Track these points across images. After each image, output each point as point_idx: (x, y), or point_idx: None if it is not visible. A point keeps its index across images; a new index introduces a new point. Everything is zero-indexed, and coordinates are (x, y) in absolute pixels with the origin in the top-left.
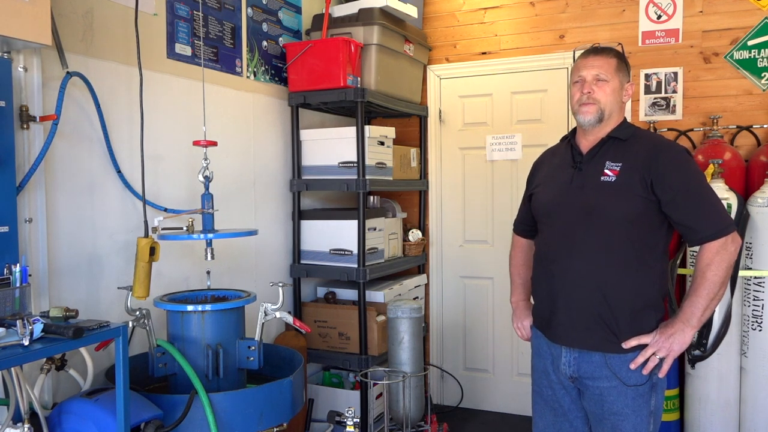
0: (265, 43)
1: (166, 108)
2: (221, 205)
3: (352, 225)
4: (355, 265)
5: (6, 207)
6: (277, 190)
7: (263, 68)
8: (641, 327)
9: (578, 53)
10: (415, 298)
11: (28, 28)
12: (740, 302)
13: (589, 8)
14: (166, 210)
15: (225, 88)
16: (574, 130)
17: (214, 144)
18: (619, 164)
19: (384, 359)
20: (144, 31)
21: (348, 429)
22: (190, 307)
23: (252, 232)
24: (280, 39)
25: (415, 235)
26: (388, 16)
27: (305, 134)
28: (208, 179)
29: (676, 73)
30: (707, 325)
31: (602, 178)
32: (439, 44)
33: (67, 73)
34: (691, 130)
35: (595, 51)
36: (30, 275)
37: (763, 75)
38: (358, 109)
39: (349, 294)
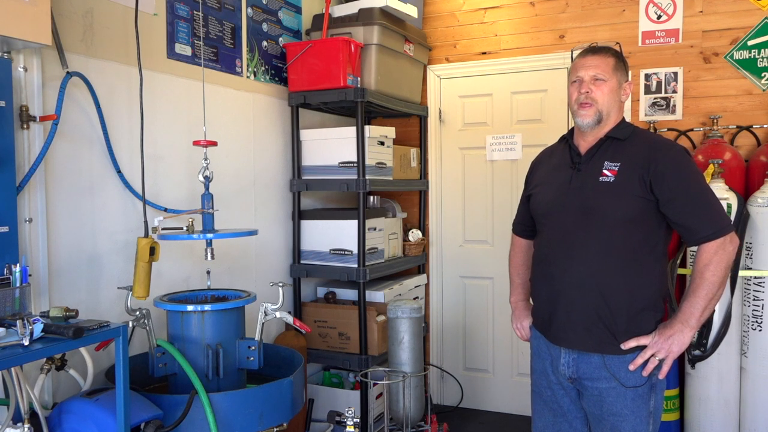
0: (265, 43)
1: (166, 108)
2: (221, 205)
3: (352, 225)
4: (355, 265)
5: (6, 207)
6: (277, 190)
7: (263, 68)
8: (640, 328)
9: (576, 53)
10: (415, 298)
11: (28, 28)
12: (740, 302)
13: (589, 8)
14: (166, 210)
15: (225, 88)
16: (572, 130)
17: (214, 144)
18: (618, 164)
19: (384, 359)
20: (144, 31)
21: (348, 429)
22: (190, 307)
23: (252, 232)
24: (280, 39)
25: (415, 235)
26: (388, 16)
27: (305, 134)
28: (208, 179)
29: (676, 73)
30: (707, 325)
31: (601, 178)
32: (439, 44)
33: (67, 73)
34: (691, 130)
35: (593, 50)
36: (30, 275)
37: (763, 75)
38: (358, 109)
39: (349, 294)
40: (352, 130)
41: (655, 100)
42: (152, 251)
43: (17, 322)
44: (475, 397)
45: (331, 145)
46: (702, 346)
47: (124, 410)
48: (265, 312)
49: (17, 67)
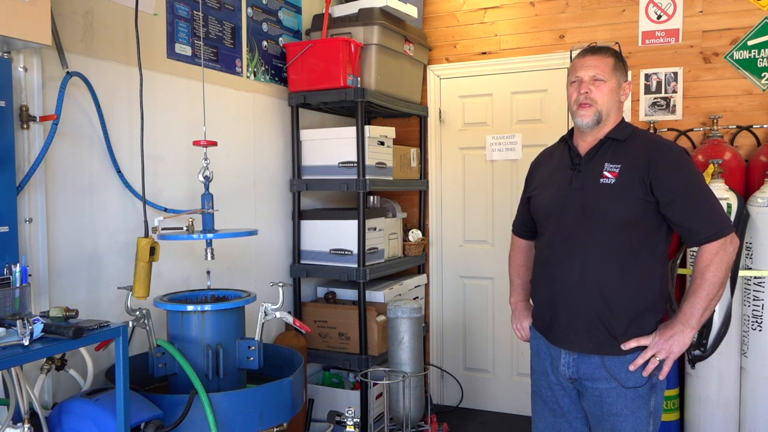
0: (265, 43)
1: (166, 108)
2: (221, 205)
3: (352, 225)
4: (355, 265)
5: (6, 207)
6: (277, 190)
7: (263, 68)
8: (641, 329)
9: (575, 53)
10: (415, 298)
11: (28, 28)
12: (740, 302)
13: (589, 8)
14: (166, 210)
15: (225, 88)
16: (572, 131)
17: (214, 144)
18: (618, 166)
19: (384, 359)
20: (144, 31)
21: (348, 429)
22: (190, 307)
23: (252, 232)
24: (280, 39)
25: (415, 235)
26: (388, 16)
27: (305, 134)
28: (208, 179)
29: (676, 73)
30: (707, 325)
31: (601, 180)
32: (439, 44)
33: (67, 73)
34: (691, 130)
35: (592, 50)
36: (30, 275)
37: (763, 75)
38: (358, 109)
39: (349, 294)
40: (352, 130)
41: (655, 100)
42: (152, 251)
43: (17, 322)
44: (475, 397)
45: (331, 145)
46: (702, 346)
47: (124, 410)
48: (265, 312)
49: (17, 67)
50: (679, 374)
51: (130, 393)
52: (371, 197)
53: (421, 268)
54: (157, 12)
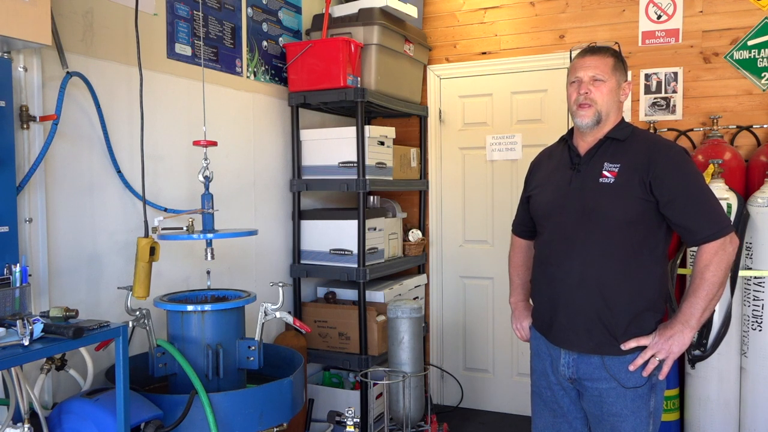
0: (265, 43)
1: (166, 108)
2: (221, 205)
3: (352, 225)
4: (355, 265)
5: (6, 207)
6: (277, 190)
7: (263, 68)
8: (640, 329)
9: (575, 53)
10: (415, 298)
11: (28, 28)
12: (740, 302)
13: (589, 8)
14: (166, 210)
15: (225, 88)
16: (572, 131)
17: (214, 144)
18: (618, 165)
19: (384, 359)
20: (144, 31)
21: (348, 429)
22: (190, 307)
23: (252, 232)
24: (280, 39)
25: (415, 235)
26: (388, 16)
27: (305, 134)
28: (208, 179)
29: (676, 73)
30: (707, 325)
31: (601, 179)
32: (439, 44)
33: (67, 73)
34: (691, 130)
35: (592, 51)
36: (30, 275)
37: (763, 75)
38: (358, 109)
39: (349, 294)
40: (352, 130)
41: (655, 100)
42: (152, 251)
43: (17, 322)
44: (475, 397)
45: (331, 145)
46: (702, 346)
47: (124, 410)
48: (265, 312)
49: (17, 67)
50: (679, 374)
51: (130, 393)
52: (371, 197)
53: (421, 268)
54: (157, 12)
